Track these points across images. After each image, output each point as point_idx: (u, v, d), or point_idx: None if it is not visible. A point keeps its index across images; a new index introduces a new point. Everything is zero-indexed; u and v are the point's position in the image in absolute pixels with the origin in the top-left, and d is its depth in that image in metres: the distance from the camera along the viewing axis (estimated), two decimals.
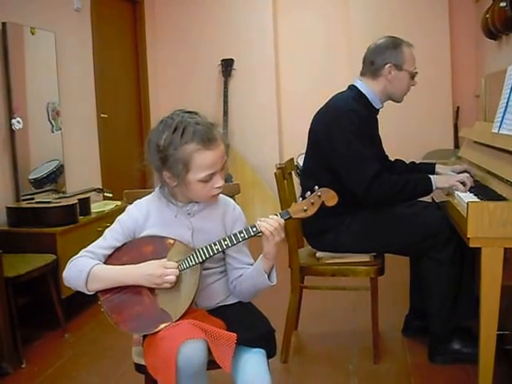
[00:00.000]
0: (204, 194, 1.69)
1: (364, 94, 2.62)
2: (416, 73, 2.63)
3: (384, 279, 2.69)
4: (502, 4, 3.77)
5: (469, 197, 2.21)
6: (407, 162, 2.88)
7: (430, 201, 2.89)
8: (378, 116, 2.73)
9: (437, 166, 2.78)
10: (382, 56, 2.59)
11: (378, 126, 2.74)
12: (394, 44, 2.60)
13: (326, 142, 2.53)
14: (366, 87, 2.62)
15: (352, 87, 2.66)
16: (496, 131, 2.59)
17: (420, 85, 5.27)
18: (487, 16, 4.13)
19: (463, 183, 2.40)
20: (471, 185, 2.40)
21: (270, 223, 1.65)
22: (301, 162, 5.07)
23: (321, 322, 3.17)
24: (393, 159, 2.91)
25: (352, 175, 2.46)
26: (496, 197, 2.15)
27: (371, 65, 2.61)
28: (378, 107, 2.67)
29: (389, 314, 3.03)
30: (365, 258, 2.60)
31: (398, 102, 2.70)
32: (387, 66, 2.57)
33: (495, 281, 1.93)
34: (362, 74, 2.67)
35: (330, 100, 2.64)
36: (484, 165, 2.60)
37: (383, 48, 2.60)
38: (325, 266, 2.64)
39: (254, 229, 1.67)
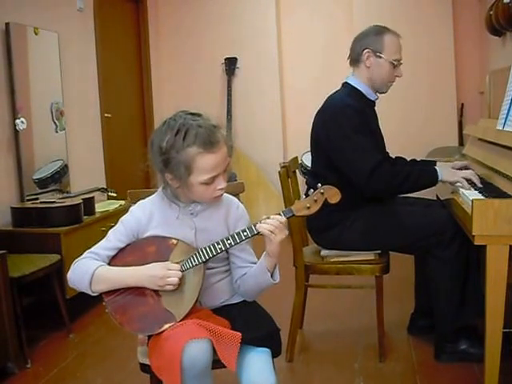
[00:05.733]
0: (206, 195, 1.69)
1: (357, 89, 2.62)
2: (399, 62, 2.60)
3: (389, 277, 2.68)
4: (506, 0, 3.75)
5: (473, 194, 2.20)
6: (408, 160, 2.86)
7: (435, 198, 2.88)
8: (380, 113, 2.71)
9: (438, 163, 2.74)
10: (361, 42, 2.61)
11: (378, 118, 2.73)
12: (376, 31, 2.60)
13: (326, 141, 2.53)
14: (358, 81, 2.63)
15: (345, 84, 2.67)
16: (500, 128, 2.58)
17: (424, 82, 5.23)
18: (491, 12, 4.11)
19: (469, 180, 2.38)
20: (478, 183, 2.37)
21: (269, 222, 1.64)
22: (305, 161, 5.07)
23: (326, 320, 3.17)
24: (394, 157, 2.88)
25: (353, 167, 2.45)
26: (501, 194, 2.14)
27: (353, 51, 2.65)
28: (373, 99, 2.67)
29: (394, 313, 3.03)
30: (370, 256, 2.59)
31: (382, 92, 2.68)
32: (365, 51, 2.58)
33: (501, 278, 1.92)
34: (350, 63, 2.68)
35: (326, 100, 2.64)
36: (488, 162, 2.58)
37: (364, 35, 2.62)
38: (329, 264, 2.63)
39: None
